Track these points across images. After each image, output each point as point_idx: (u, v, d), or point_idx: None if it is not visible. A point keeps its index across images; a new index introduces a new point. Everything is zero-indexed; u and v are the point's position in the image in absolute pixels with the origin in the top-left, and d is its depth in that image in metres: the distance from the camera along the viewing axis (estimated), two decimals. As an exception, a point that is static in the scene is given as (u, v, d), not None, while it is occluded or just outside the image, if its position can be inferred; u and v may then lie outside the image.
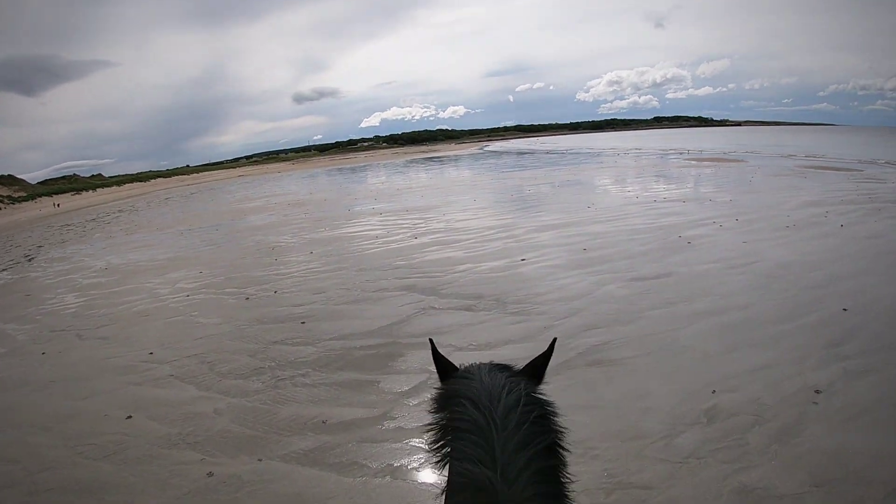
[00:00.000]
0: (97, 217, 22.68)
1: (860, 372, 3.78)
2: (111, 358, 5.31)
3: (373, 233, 10.80)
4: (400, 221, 11.96)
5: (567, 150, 44.06)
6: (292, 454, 3.35)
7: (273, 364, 4.68)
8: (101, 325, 6.49)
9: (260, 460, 3.30)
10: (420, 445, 3.24)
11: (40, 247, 16.14)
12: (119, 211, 25.13)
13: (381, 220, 12.38)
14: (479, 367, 0.94)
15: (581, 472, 2.61)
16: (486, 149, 61.86)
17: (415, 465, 3.13)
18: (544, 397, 0.89)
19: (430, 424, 0.91)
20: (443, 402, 0.91)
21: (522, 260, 7.54)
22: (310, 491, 2.98)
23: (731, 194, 12.61)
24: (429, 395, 0.98)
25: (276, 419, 3.78)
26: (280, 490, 3.02)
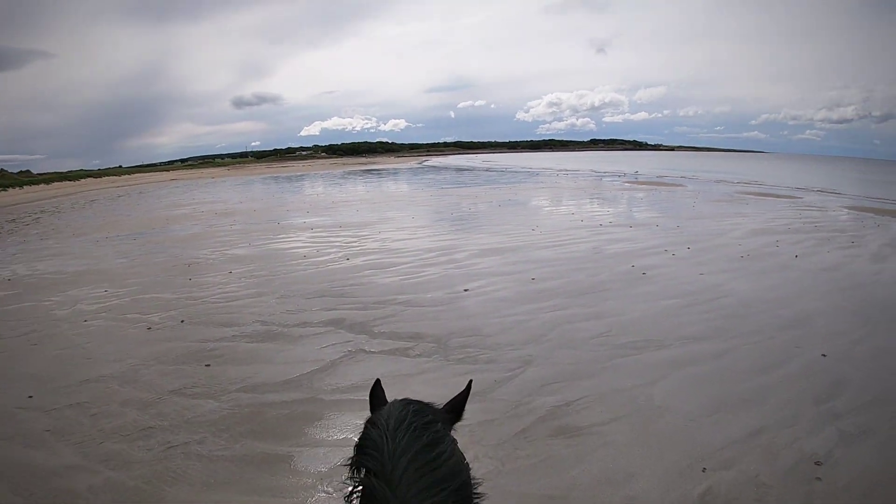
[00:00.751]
0: (17, 218, 19.40)
1: (857, 434, 3.43)
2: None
3: (301, 251, 9.51)
4: (332, 239, 10.73)
5: (506, 168, 44.20)
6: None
7: (165, 424, 3.74)
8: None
9: None
10: None
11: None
12: (41, 211, 21.90)
13: (312, 237, 11.08)
14: (396, 401, 0.96)
15: None
16: (425, 164, 61.23)
17: None
18: (437, 415, 0.90)
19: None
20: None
21: (465, 290, 6.64)
22: None
23: (677, 220, 12.54)
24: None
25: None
26: None
